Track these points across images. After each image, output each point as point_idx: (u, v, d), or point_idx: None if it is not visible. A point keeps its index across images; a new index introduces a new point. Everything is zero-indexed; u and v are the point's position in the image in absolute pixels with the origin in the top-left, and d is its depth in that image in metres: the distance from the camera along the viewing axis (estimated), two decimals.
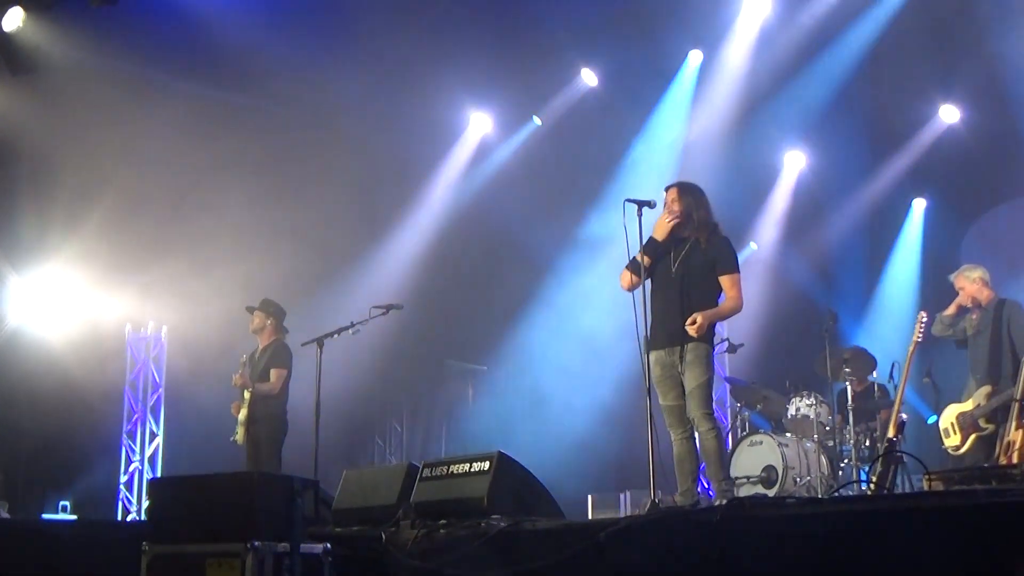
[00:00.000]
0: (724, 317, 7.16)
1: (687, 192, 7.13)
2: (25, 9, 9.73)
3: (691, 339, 6.81)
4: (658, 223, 7.02)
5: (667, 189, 7.20)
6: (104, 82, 11.01)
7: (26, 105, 10.66)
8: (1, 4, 9.59)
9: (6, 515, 9.67)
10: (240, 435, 9.38)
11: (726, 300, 6.95)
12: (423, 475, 6.64)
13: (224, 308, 10.94)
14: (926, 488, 7.17)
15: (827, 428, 9.72)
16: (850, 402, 9.57)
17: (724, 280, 6.95)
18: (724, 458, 6.78)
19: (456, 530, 5.85)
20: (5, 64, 9.76)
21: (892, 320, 12.49)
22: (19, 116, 10.70)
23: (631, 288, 7.01)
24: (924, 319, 8.66)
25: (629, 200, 6.89)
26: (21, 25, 9.81)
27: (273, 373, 9.53)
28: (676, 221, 6.98)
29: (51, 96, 10.74)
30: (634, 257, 6.98)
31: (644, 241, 6.93)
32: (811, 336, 10.43)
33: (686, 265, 6.97)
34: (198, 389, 11.65)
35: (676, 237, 7.08)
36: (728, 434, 11.11)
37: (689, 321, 6.77)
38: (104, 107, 11.05)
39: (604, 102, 12.72)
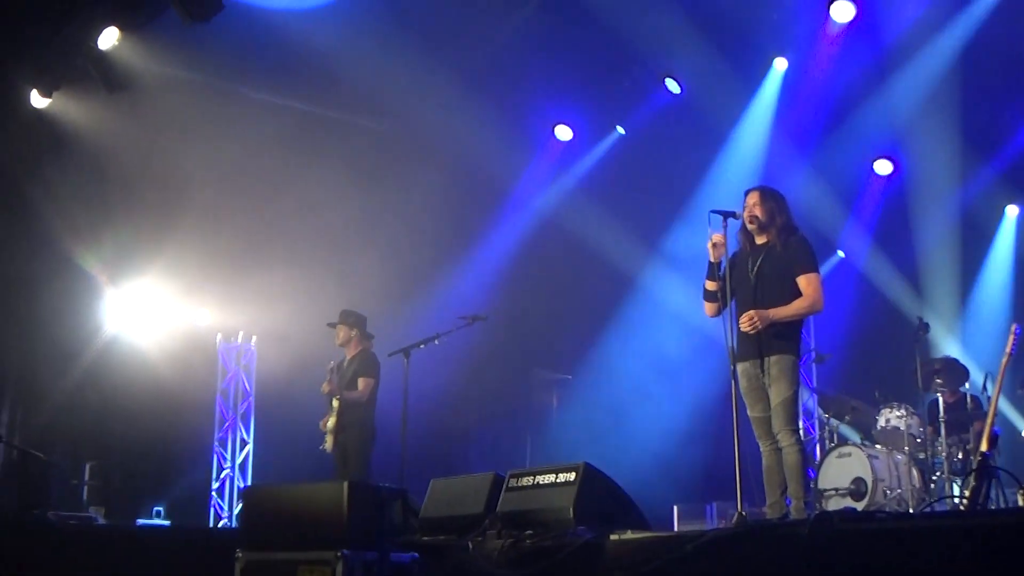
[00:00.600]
0: (794, 316, 6.80)
1: (769, 196, 7.05)
2: (120, 28, 9.98)
3: (774, 350, 6.71)
4: (710, 246, 6.92)
5: (747, 193, 7.13)
6: (195, 96, 11.26)
7: (120, 121, 10.94)
8: (97, 24, 9.85)
9: (102, 520, 9.93)
10: (329, 443, 9.50)
11: (799, 299, 6.78)
12: (509, 485, 6.67)
13: (312, 317, 11.07)
14: (1021, 503, 7.03)
15: (918, 440, 9.57)
16: (942, 414, 9.42)
17: (800, 281, 6.80)
18: (805, 476, 6.66)
19: (542, 541, 5.88)
20: (102, 82, 10.02)
21: (985, 329, 12.24)
22: (113, 131, 10.98)
23: (716, 315, 7.02)
24: (1016, 331, 8.48)
25: (714, 211, 6.87)
26: (116, 44, 10.06)
27: (361, 382, 9.64)
28: (721, 244, 6.82)
29: (144, 111, 11.01)
30: (703, 286, 7.01)
31: (711, 272, 6.94)
32: (901, 346, 10.29)
33: (762, 271, 6.89)
34: (287, 397, 11.82)
35: (754, 244, 7.03)
36: (816, 445, 10.99)
37: (745, 318, 6.69)
38: (195, 120, 11.31)
39: (688, 111, 12.65)
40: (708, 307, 7.11)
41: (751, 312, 6.68)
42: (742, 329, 6.72)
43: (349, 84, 11.60)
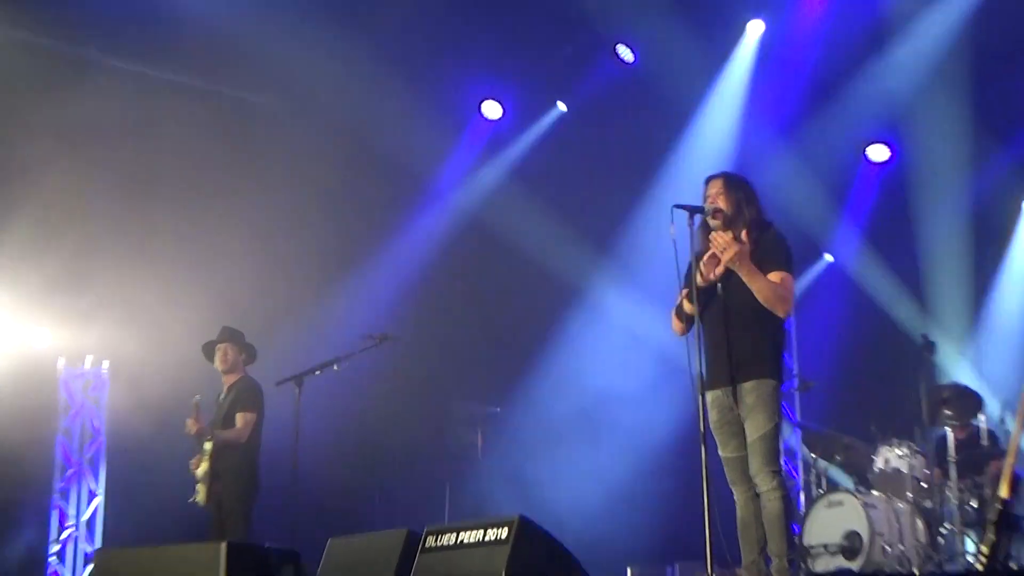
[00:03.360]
0: (764, 290, 6.72)
1: (735, 185, 7.07)
2: None
3: (750, 375, 6.74)
4: (705, 263, 6.88)
5: (709, 180, 7.13)
6: (36, 65, 11.13)
7: None
8: None
9: None
10: (201, 494, 9.41)
11: (773, 282, 6.76)
12: (426, 545, 6.66)
13: (179, 338, 10.99)
14: None
15: (923, 485, 9.68)
16: (951, 452, 9.53)
17: (771, 278, 6.78)
18: (789, 530, 6.69)
19: None
20: None
21: (1003, 350, 12.46)
22: None
23: (685, 333, 7.01)
24: None
25: (678, 206, 6.88)
26: None
27: (239, 418, 9.58)
28: (733, 252, 6.76)
29: None
30: (679, 301, 6.99)
31: (685, 281, 6.91)
32: (902, 371, 10.41)
33: (731, 278, 6.90)
34: (148, 437, 11.67)
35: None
36: (800, 492, 11.09)
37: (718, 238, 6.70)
38: (36, 92, 11.18)
39: (644, 85, 12.71)
40: (677, 324, 7.10)
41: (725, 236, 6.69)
42: (713, 248, 6.71)
43: (227, 51, 11.53)
